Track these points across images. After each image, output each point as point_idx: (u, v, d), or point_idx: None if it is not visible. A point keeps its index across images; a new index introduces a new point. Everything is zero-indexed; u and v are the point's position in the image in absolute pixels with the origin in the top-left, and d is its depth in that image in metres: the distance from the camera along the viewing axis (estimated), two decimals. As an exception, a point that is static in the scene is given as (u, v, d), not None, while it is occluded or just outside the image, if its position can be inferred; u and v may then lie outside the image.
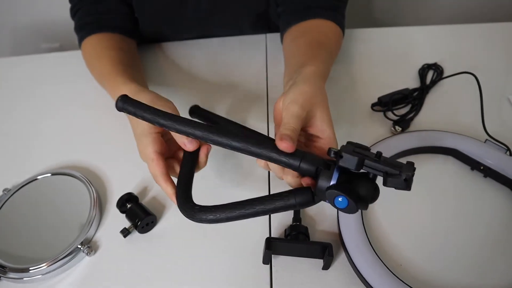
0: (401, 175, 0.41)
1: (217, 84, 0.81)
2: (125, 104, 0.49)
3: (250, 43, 0.89)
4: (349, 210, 0.43)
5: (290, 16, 0.74)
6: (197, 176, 0.54)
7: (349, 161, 0.42)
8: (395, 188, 0.42)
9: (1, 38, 1.66)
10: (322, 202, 0.56)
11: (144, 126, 0.55)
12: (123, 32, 0.79)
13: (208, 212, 0.46)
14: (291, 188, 0.47)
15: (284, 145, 0.44)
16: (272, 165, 0.49)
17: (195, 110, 0.71)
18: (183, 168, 0.54)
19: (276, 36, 0.87)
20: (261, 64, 0.84)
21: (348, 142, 0.45)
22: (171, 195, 0.52)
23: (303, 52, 0.65)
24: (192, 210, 0.47)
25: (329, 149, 0.44)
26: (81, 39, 0.78)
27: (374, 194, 0.44)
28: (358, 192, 0.43)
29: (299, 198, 0.44)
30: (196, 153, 0.54)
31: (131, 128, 0.59)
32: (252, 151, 0.45)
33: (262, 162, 0.49)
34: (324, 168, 0.44)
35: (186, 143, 0.52)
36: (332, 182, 0.43)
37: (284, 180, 0.50)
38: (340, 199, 0.42)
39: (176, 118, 0.47)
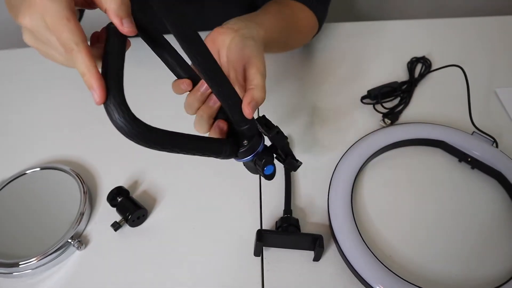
0: (297, 161, 0.51)
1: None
2: None
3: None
4: (270, 177, 0.49)
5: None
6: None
7: (279, 141, 0.49)
8: (287, 167, 0.53)
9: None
10: (315, 195, 0.57)
11: None
12: None
13: (150, 131, 0.36)
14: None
15: (248, 112, 0.44)
16: (196, 94, 0.46)
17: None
18: (112, 54, 0.37)
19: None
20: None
21: (264, 116, 0.49)
22: (94, 76, 0.34)
23: (267, 11, 0.65)
24: (134, 122, 0.35)
25: (261, 119, 0.48)
26: None
27: None
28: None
29: (229, 150, 0.45)
30: (122, 43, 0.38)
31: None
32: (217, 84, 0.42)
33: (183, 84, 0.46)
34: (258, 136, 0.47)
35: (125, 22, 0.37)
36: (260, 149, 0.47)
37: (190, 110, 0.48)
38: (265, 168, 0.47)
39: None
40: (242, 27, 0.53)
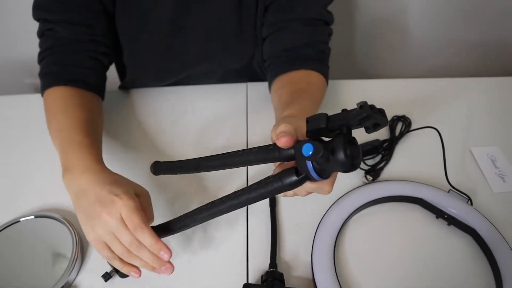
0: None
1: (196, 132, 0.84)
2: (157, 169, 0.61)
3: (231, 91, 0.92)
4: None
5: (276, 68, 0.77)
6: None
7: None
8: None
9: (-16, 73, 1.67)
10: (299, 250, 0.59)
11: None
12: (91, 88, 0.75)
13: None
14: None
15: (284, 140, 0.44)
16: None
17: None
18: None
19: (256, 85, 0.92)
20: (241, 112, 0.87)
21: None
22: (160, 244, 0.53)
23: (284, 101, 0.67)
24: None
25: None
26: (45, 86, 0.72)
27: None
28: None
29: (284, 178, 0.44)
30: None
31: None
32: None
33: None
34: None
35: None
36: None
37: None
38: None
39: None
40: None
